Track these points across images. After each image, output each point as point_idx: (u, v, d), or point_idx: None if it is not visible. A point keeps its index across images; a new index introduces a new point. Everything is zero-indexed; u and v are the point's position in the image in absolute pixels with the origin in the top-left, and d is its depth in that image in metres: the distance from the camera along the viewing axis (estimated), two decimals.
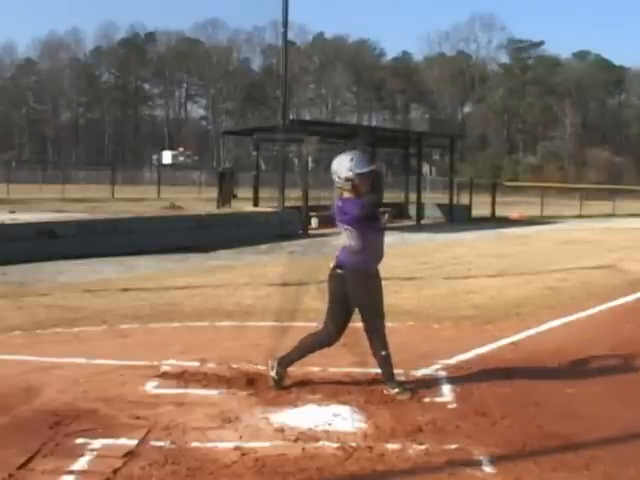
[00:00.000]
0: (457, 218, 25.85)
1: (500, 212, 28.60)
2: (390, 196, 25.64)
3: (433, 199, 30.08)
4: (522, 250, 15.92)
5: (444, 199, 28.85)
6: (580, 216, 30.82)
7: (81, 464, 3.64)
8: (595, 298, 9.13)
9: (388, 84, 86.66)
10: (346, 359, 5.27)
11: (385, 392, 4.78)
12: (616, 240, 18.37)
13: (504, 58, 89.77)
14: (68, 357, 5.65)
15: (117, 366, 5.41)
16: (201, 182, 43.33)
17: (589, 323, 7.75)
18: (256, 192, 23.81)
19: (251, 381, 4.96)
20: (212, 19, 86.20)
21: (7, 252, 11.55)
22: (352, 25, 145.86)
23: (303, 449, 3.85)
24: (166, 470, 3.58)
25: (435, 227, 23.07)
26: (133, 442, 3.90)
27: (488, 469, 3.67)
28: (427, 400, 4.74)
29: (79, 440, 3.92)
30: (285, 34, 20.59)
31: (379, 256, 4.88)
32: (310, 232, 18.40)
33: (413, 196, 26.56)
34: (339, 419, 4.31)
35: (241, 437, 4.03)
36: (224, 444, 3.92)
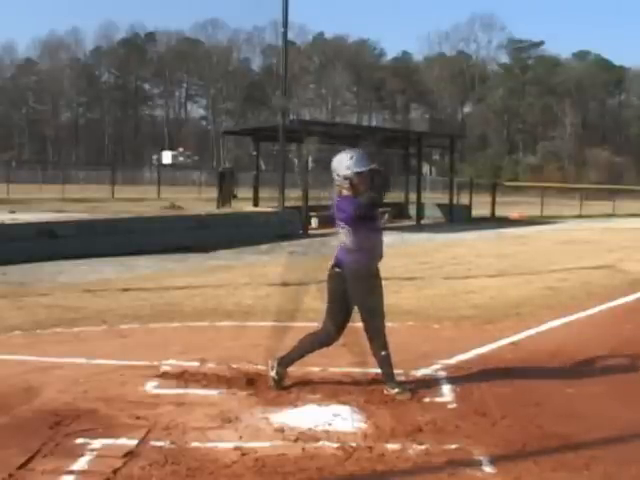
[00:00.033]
0: (457, 218, 25.85)
1: (500, 212, 28.60)
2: (390, 196, 25.62)
3: (433, 199, 30.08)
4: (522, 250, 15.92)
5: (444, 199, 28.85)
6: (580, 216, 30.82)
7: (81, 464, 3.64)
8: (595, 298, 9.13)
9: (388, 84, 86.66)
10: (346, 359, 5.27)
11: (385, 392, 4.78)
12: (616, 240, 18.37)
13: (504, 58, 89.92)
14: (68, 357, 5.65)
15: (117, 366, 5.41)
16: (201, 182, 43.32)
17: (589, 323, 7.75)
18: (256, 192, 23.82)
19: (251, 381, 4.96)
20: (212, 19, 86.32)
21: (7, 252, 11.55)
22: (352, 25, 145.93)
23: (303, 449, 3.85)
24: (166, 470, 3.58)
25: (435, 227, 23.07)
26: (133, 442, 3.90)
27: (488, 469, 3.67)
28: (427, 400, 4.74)
29: (79, 440, 3.92)
30: (285, 34, 20.59)
31: (377, 255, 4.88)
32: (310, 232, 18.40)
33: (413, 196, 26.56)
34: (339, 419, 4.31)
35: (241, 437, 4.03)
36: (224, 444, 3.92)
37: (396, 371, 4.90)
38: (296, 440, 3.98)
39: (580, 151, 73.65)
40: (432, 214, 26.36)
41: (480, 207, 28.42)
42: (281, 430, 4.13)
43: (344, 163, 4.77)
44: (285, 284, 8.22)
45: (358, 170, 4.74)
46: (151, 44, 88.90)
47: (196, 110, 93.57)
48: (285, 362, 4.94)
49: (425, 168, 36.46)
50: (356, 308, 4.88)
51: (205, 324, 7.19)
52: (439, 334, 6.89)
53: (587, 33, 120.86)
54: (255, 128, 27.54)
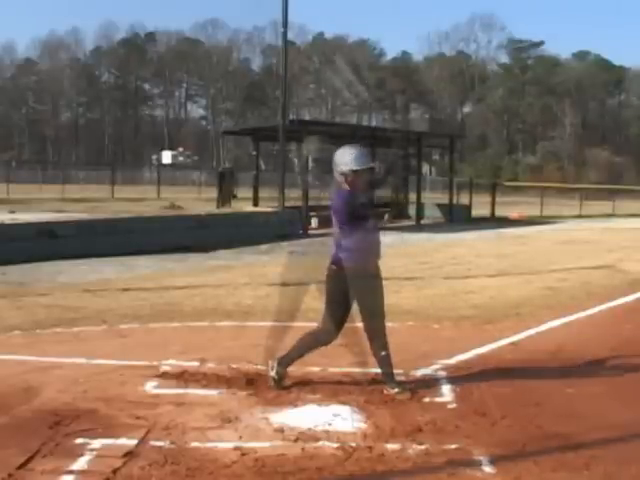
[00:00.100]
0: (457, 218, 25.85)
1: (500, 212, 28.60)
2: (390, 196, 25.67)
3: (433, 199, 30.10)
4: (522, 250, 15.92)
5: (444, 199, 28.86)
6: (580, 216, 30.82)
7: (81, 464, 3.64)
8: (595, 298, 9.13)
9: (388, 84, 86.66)
10: (346, 359, 5.26)
11: (385, 392, 4.78)
12: (616, 240, 18.37)
13: (504, 58, 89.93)
14: (68, 357, 5.65)
15: (117, 366, 5.41)
16: (201, 182, 43.32)
17: (589, 323, 7.75)
18: (256, 192, 23.82)
19: (251, 381, 4.96)
20: (212, 19, 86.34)
21: (7, 252, 11.54)
22: (352, 25, 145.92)
23: (303, 449, 3.85)
24: (166, 470, 3.58)
25: (435, 227, 23.07)
26: (133, 442, 3.90)
27: (488, 469, 3.67)
28: (427, 400, 4.73)
29: (79, 440, 3.92)
30: (285, 34, 20.57)
31: (374, 255, 4.87)
32: (310, 232, 18.40)
33: (413, 196, 26.57)
34: (339, 419, 4.30)
35: (241, 437, 4.03)
36: (224, 444, 3.92)
37: (396, 371, 4.90)
38: (296, 440, 3.98)
39: (580, 151, 73.67)
40: (432, 214, 26.36)
41: (480, 207, 28.43)
42: (281, 430, 4.13)
43: (343, 159, 4.78)
44: (285, 284, 8.21)
45: (355, 168, 4.74)
46: (151, 44, 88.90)
47: (196, 110, 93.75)
48: (285, 362, 4.93)
49: (425, 168, 36.45)
50: (356, 308, 4.89)
51: (205, 324, 7.19)
52: (439, 334, 6.89)
53: (587, 33, 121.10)
54: (255, 128, 27.54)
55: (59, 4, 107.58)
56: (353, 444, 3.92)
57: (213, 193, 27.43)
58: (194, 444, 3.91)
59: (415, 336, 6.64)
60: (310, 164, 19.55)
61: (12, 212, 19.24)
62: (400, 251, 14.01)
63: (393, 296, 7.64)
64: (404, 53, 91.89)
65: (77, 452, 3.76)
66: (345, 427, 4.19)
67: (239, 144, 66.25)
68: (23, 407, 4.48)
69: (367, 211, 4.81)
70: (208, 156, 76.40)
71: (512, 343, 6.47)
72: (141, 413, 4.36)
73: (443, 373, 5.36)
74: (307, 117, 75.88)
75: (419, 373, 5.33)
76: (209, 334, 6.73)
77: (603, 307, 8.60)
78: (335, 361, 5.29)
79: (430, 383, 5.11)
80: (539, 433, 4.18)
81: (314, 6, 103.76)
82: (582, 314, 8.06)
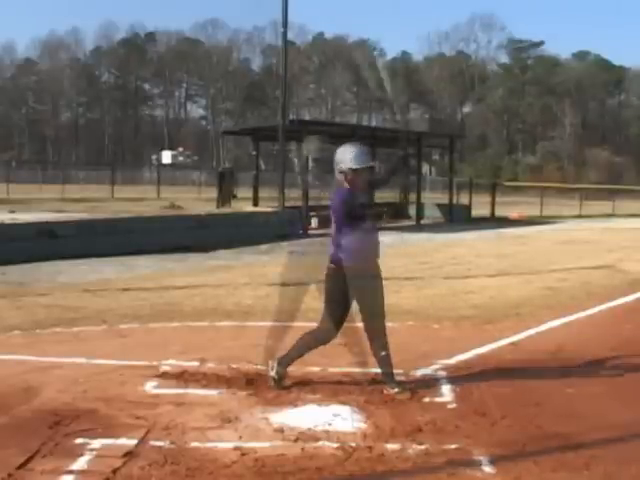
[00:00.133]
0: (457, 218, 25.85)
1: (500, 212, 28.61)
2: (390, 196, 25.69)
3: (433, 199, 30.10)
4: (522, 250, 15.92)
5: (444, 199, 28.86)
6: (580, 216, 30.83)
7: (80, 464, 3.64)
8: (595, 298, 9.13)
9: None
10: (346, 359, 5.26)
11: (385, 392, 4.78)
12: (616, 240, 18.37)
13: (504, 58, 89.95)
14: (68, 357, 5.64)
15: (117, 366, 5.41)
16: (201, 182, 43.32)
17: (589, 323, 7.74)
18: (256, 192, 23.81)
19: (251, 381, 4.96)
20: (212, 19, 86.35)
21: (7, 252, 11.54)
22: (352, 25, 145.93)
23: (303, 449, 3.85)
24: (165, 470, 3.58)
25: (435, 227, 23.07)
26: (133, 442, 3.90)
27: (488, 469, 3.67)
28: (427, 400, 4.73)
29: (78, 440, 3.92)
30: (285, 34, 20.58)
31: (372, 255, 4.87)
32: (310, 232, 18.40)
33: (413, 196, 26.57)
34: (339, 419, 4.30)
35: (241, 437, 4.03)
36: (224, 444, 3.92)
37: (396, 371, 4.90)
38: (296, 440, 3.98)
39: (580, 151, 73.68)
40: (432, 214, 26.37)
41: (480, 207, 28.43)
42: (281, 430, 4.13)
43: (343, 157, 4.79)
44: (285, 284, 8.22)
45: (354, 167, 4.75)
46: (151, 44, 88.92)
47: (196, 110, 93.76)
48: (285, 362, 4.93)
49: (425, 168, 36.46)
50: (356, 307, 4.89)
51: (205, 324, 7.19)
52: (439, 334, 6.89)
53: (587, 33, 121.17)
54: (255, 128, 27.53)
55: (59, 4, 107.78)
56: (353, 444, 3.92)
57: (213, 193, 27.43)
58: (194, 444, 3.91)
59: (415, 336, 6.64)
60: (310, 164, 19.56)
61: (12, 212, 19.24)
62: (400, 251, 14.01)
63: (393, 296, 7.63)
64: (404, 53, 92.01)
65: (77, 452, 3.76)
66: (345, 427, 4.19)
67: (239, 144, 66.26)
68: (23, 407, 4.48)
69: (365, 211, 4.81)
70: (208, 156, 76.41)
71: (512, 343, 6.47)
72: (141, 413, 4.36)
73: (443, 373, 5.36)
74: (307, 117, 75.88)
75: (419, 373, 5.33)
76: (209, 334, 6.73)
77: (603, 307, 8.60)
78: (335, 361, 5.29)
79: (430, 383, 5.11)
80: (539, 433, 4.17)
81: (314, 6, 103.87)
82: (582, 314, 8.06)
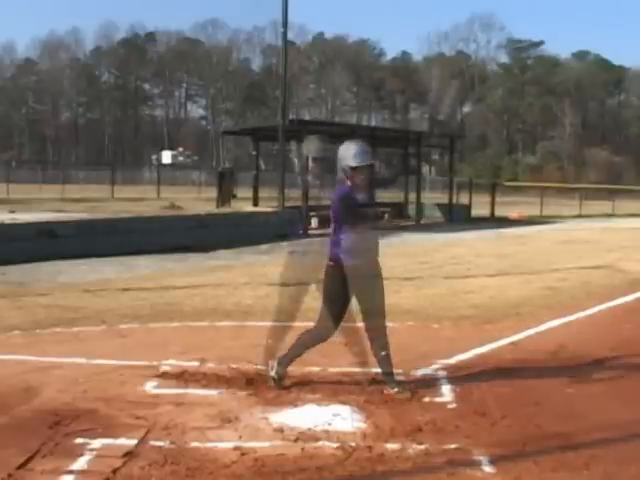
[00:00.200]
0: (457, 218, 25.86)
1: (500, 212, 28.61)
2: (389, 196, 25.68)
3: (433, 199, 30.11)
4: (521, 250, 15.92)
5: (444, 199, 28.87)
6: (579, 216, 30.84)
7: (80, 464, 3.64)
8: (595, 298, 9.13)
9: (388, 84, 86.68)
10: (346, 359, 5.26)
11: (385, 392, 4.78)
12: (615, 240, 18.37)
13: (503, 58, 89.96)
14: (67, 357, 5.64)
15: (117, 366, 5.41)
16: (201, 182, 43.32)
17: (589, 323, 7.74)
18: (256, 192, 23.81)
19: (251, 381, 4.96)
20: (212, 19, 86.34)
21: (7, 252, 11.54)
22: (352, 25, 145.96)
23: (302, 449, 3.85)
24: (165, 470, 3.58)
25: (435, 227, 23.07)
26: (132, 442, 3.90)
27: (488, 469, 3.67)
28: (427, 400, 4.74)
29: (78, 440, 3.92)
30: (285, 34, 20.57)
31: (373, 254, 4.87)
32: (310, 232, 18.39)
33: (413, 196, 26.57)
34: (339, 419, 4.30)
35: (240, 437, 4.03)
36: (223, 444, 3.92)
37: (396, 371, 4.90)
38: (296, 440, 3.98)
39: (579, 151, 73.70)
40: (432, 214, 26.38)
41: (480, 207, 28.44)
42: (281, 430, 4.13)
43: (345, 154, 4.81)
44: (285, 284, 8.22)
45: (353, 165, 4.76)
46: (151, 44, 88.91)
47: (196, 110, 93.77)
48: (284, 361, 4.94)
49: (425, 168, 36.46)
50: (357, 307, 4.89)
51: (205, 324, 7.19)
52: (439, 334, 6.89)
53: (587, 33, 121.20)
54: (255, 128, 27.53)
55: (59, 4, 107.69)
56: (353, 444, 3.92)
57: (213, 193, 27.42)
58: (194, 444, 3.91)
59: (415, 336, 6.64)
60: (310, 164, 19.55)
61: (12, 212, 19.20)
62: (400, 251, 14.01)
63: (393, 296, 7.63)
64: (404, 53, 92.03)
65: (77, 452, 3.76)
66: (345, 427, 4.19)
67: (239, 144, 66.26)
68: (23, 407, 4.48)
69: (364, 210, 4.81)
70: (208, 156, 76.42)
71: (512, 343, 6.47)
72: (141, 413, 4.36)
73: (443, 373, 5.36)
74: (307, 117, 75.86)
75: (419, 373, 5.33)
76: (209, 334, 6.73)
77: (603, 307, 8.60)
78: (335, 361, 5.29)
79: (430, 383, 5.11)
80: (539, 433, 4.18)
81: (314, 6, 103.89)
82: (582, 314, 8.06)
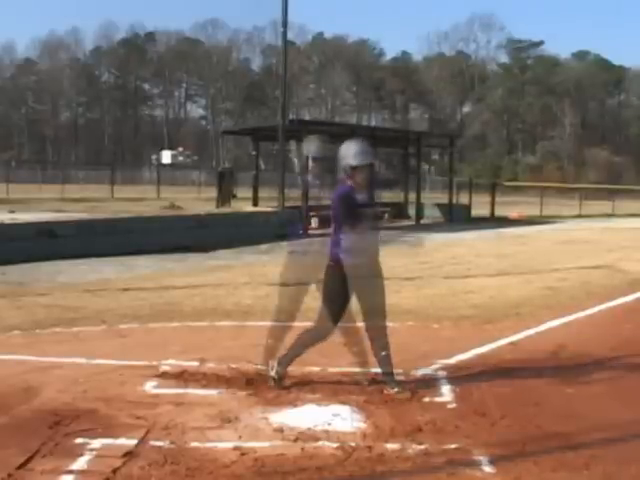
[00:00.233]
0: (456, 218, 25.86)
1: (499, 212, 28.61)
2: (389, 196, 25.68)
3: (432, 199, 30.12)
4: (521, 250, 15.92)
5: (443, 199, 28.87)
6: (579, 216, 30.84)
7: (80, 464, 3.64)
8: (594, 298, 9.13)
9: (387, 84, 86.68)
10: (346, 359, 5.26)
11: (385, 392, 4.78)
12: (615, 240, 18.37)
13: (503, 58, 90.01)
14: (67, 357, 5.64)
15: (116, 366, 5.41)
16: (200, 182, 43.33)
17: (588, 323, 7.74)
18: (256, 192, 23.81)
19: (250, 381, 4.96)
20: (212, 19, 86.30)
21: (6, 252, 11.53)
22: (352, 25, 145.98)
23: (302, 449, 3.85)
24: (165, 470, 3.58)
25: (434, 227, 23.06)
26: (132, 442, 3.90)
27: (488, 469, 3.67)
28: (427, 400, 4.73)
29: (78, 440, 3.92)
30: (285, 34, 20.58)
31: (371, 253, 4.87)
32: (310, 232, 18.39)
33: (412, 196, 26.58)
34: (339, 419, 4.30)
35: (240, 437, 4.03)
36: (223, 444, 3.92)
37: (396, 371, 4.91)
38: (295, 440, 3.98)
39: (579, 151, 73.71)
40: (431, 214, 26.37)
41: (479, 207, 28.43)
42: (280, 430, 4.13)
43: (346, 153, 4.82)
44: (284, 284, 8.22)
45: (353, 164, 4.76)
46: (151, 44, 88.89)
47: (195, 110, 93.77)
48: (284, 361, 4.94)
49: (424, 168, 36.47)
50: (357, 307, 4.89)
51: (204, 324, 7.19)
52: (439, 334, 6.89)
53: (587, 33, 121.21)
54: (254, 128, 27.54)
55: (59, 4, 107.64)
56: (353, 444, 3.92)
57: (213, 193, 27.43)
58: (194, 444, 3.91)
59: (415, 336, 6.64)
60: (310, 164, 19.50)
61: (12, 212, 19.21)
62: (400, 251, 14.00)
63: (393, 296, 7.62)
64: (404, 53, 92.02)
65: (77, 452, 3.76)
66: (345, 427, 4.19)
67: (239, 144, 66.27)
68: (23, 407, 4.48)
69: (363, 211, 4.81)
70: (208, 156, 76.40)
71: (512, 343, 6.47)
72: (141, 413, 4.36)
73: (443, 373, 5.36)
74: (307, 117, 75.88)
75: (419, 373, 5.33)
76: (209, 334, 6.73)
77: (603, 307, 8.60)
78: (335, 361, 5.28)
79: (430, 383, 5.11)
80: (539, 433, 4.18)
81: (314, 6, 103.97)
82: (582, 314, 8.06)
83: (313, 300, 5.09)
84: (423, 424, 4.24)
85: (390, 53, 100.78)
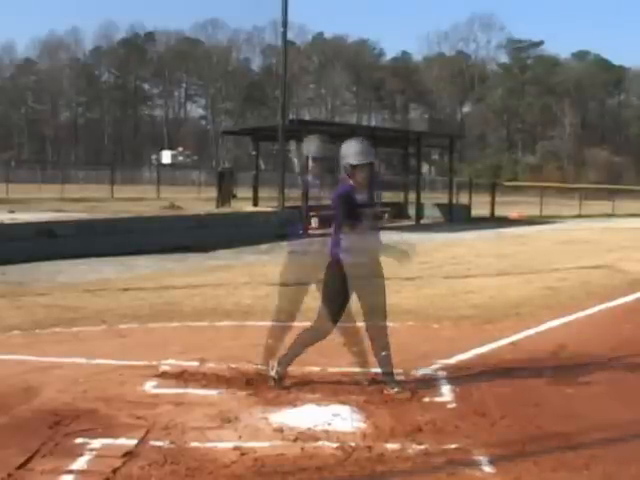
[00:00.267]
0: (456, 218, 25.86)
1: (499, 212, 28.61)
2: (389, 196, 25.69)
3: (432, 199, 30.11)
4: (521, 250, 15.92)
5: (443, 199, 28.87)
6: (579, 216, 30.84)
7: (80, 464, 3.63)
8: (594, 298, 9.13)
9: (387, 84, 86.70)
10: (346, 359, 5.26)
11: (385, 392, 4.78)
12: (615, 240, 18.37)
13: (503, 58, 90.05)
14: (67, 357, 5.64)
15: (116, 366, 5.41)
16: (200, 182, 43.35)
17: (588, 323, 7.74)
18: (255, 192, 23.81)
19: (250, 381, 4.96)
20: (212, 19, 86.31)
21: (6, 252, 11.53)
22: (352, 25, 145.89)
23: (302, 449, 3.85)
24: (165, 470, 3.58)
25: (434, 227, 23.06)
26: (132, 442, 3.90)
27: (487, 469, 3.67)
28: (427, 400, 4.73)
29: (78, 440, 3.92)
30: (285, 34, 20.58)
31: (371, 253, 4.86)
32: (310, 232, 18.37)
33: (412, 196, 26.58)
34: (338, 419, 4.30)
35: (240, 437, 4.03)
36: (223, 444, 3.91)
37: (396, 371, 4.91)
38: (295, 440, 3.98)
39: (579, 151, 73.72)
40: (431, 214, 26.38)
41: (479, 207, 28.44)
42: (280, 430, 4.12)
43: (346, 152, 4.82)
44: (284, 284, 8.22)
45: (354, 163, 4.77)
46: (151, 44, 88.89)
47: (195, 110, 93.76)
48: (284, 361, 4.94)
49: (424, 168, 36.49)
50: (357, 307, 4.89)
51: (204, 324, 7.19)
52: (439, 334, 6.89)
53: (586, 33, 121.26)
54: (254, 128, 27.55)
55: (59, 4, 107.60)
56: (353, 444, 3.92)
57: (213, 193, 27.43)
58: (194, 444, 3.91)
59: (415, 336, 6.64)
60: (310, 164, 19.50)
61: (11, 212, 19.22)
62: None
63: (393, 296, 7.59)
64: (404, 53, 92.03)
65: (77, 452, 3.76)
66: (345, 427, 4.19)
67: (239, 144, 66.27)
68: (23, 407, 4.48)
69: (362, 210, 4.81)
70: (208, 156, 76.41)
71: (512, 343, 6.47)
72: (141, 413, 4.35)
73: (443, 373, 5.36)
74: (307, 117, 75.88)
75: (419, 373, 5.33)
76: (209, 334, 6.73)
77: (603, 307, 8.60)
78: (335, 361, 5.28)
79: (430, 383, 5.11)
80: (539, 433, 4.17)
81: (314, 6, 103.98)
82: (582, 314, 8.06)
83: (313, 300, 5.09)
84: (423, 424, 4.24)
85: (390, 53, 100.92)
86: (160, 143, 78.34)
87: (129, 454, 3.74)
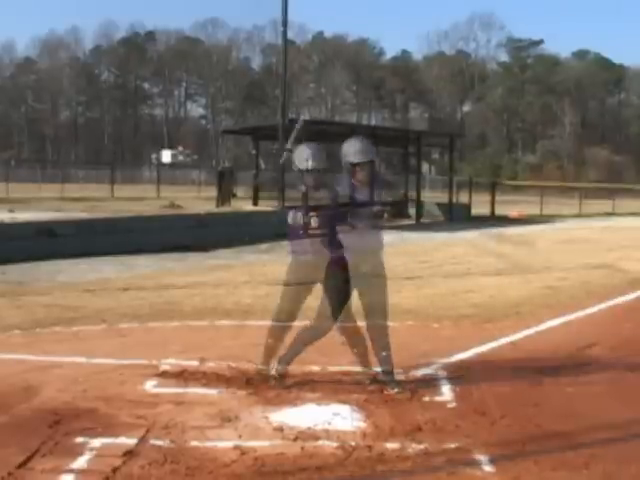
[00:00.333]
0: (456, 217, 25.86)
1: (499, 211, 28.61)
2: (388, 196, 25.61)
3: (432, 198, 30.14)
4: (521, 249, 15.91)
5: (443, 198, 28.88)
6: (579, 215, 30.84)
7: (80, 463, 3.64)
8: (594, 297, 9.13)
9: (387, 83, 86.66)
10: (346, 358, 5.26)
11: (385, 391, 4.78)
12: (615, 239, 18.37)
13: (503, 57, 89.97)
14: (67, 356, 5.65)
15: (116, 365, 5.41)
16: (200, 181, 43.35)
17: (588, 322, 7.74)
18: (256, 191, 23.81)
19: (250, 380, 4.96)
20: (212, 18, 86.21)
21: (6, 251, 11.53)
22: (352, 24, 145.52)
23: (302, 448, 3.85)
24: (165, 469, 3.58)
25: (434, 226, 23.07)
26: (132, 441, 3.90)
27: (487, 468, 3.67)
28: (427, 399, 4.74)
29: (78, 439, 3.92)
30: (285, 33, 20.58)
31: (370, 253, 4.86)
32: (310, 232, 18.36)
33: (413, 195, 26.57)
34: (339, 418, 4.30)
35: (240, 436, 4.03)
36: (223, 443, 3.92)
37: (396, 370, 4.91)
38: (295, 439, 3.98)
39: (579, 150, 73.71)
40: (432, 213, 26.36)
41: (479, 206, 28.44)
42: (280, 429, 4.13)
43: (347, 151, 4.84)
44: (284, 284, 8.21)
45: (355, 161, 4.78)
46: (151, 43, 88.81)
47: (195, 109, 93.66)
48: (285, 360, 4.94)
49: (424, 167, 36.49)
50: (358, 307, 4.89)
51: (204, 323, 7.19)
52: (439, 333, 6.89)
53: (586, 32, 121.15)
54: (254, 127, 27.57)
55: (59, 3, 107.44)
56: (353, 443, 3.92)
57: (213, 192, 27.43)
58: (194, 443, 3.91)
59: (415, 335, 6.64)
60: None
61: (11, 211, 19.23)
62: (400, 250, 14.00)
63: (394, 295, 7.57)
64: (404, 52, 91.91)
65: (77, 451, 3.76)
66: (345, 426, 4.19)
67: (239, 143, 66.20)
68: (23, 406, 4.48)
69: (362, 210, 4.81)
70: (208, 155, 76.35)
71: (512, 342, 6.47)
72: (141, 412, 4.36)
73: (443, 372, 5.36)
74: (307, 116, 75.77)
75: (419, 373, 5.33)
76: (209, 333, 6.73)
77: (603, 306, 8.60)
78: (335, 360, 5.29)
79: (430, 382, 5.11)
80: (539, 432, 4.18)
81: (314, 5, 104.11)
82: (582, 313, 8.06)
83: (313, 300, 5.09)
84: (423, 423, 4.24)
85: (390, 52, 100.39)
86: (160, 142, 78.33)
87: (129, 453, 3.74)
